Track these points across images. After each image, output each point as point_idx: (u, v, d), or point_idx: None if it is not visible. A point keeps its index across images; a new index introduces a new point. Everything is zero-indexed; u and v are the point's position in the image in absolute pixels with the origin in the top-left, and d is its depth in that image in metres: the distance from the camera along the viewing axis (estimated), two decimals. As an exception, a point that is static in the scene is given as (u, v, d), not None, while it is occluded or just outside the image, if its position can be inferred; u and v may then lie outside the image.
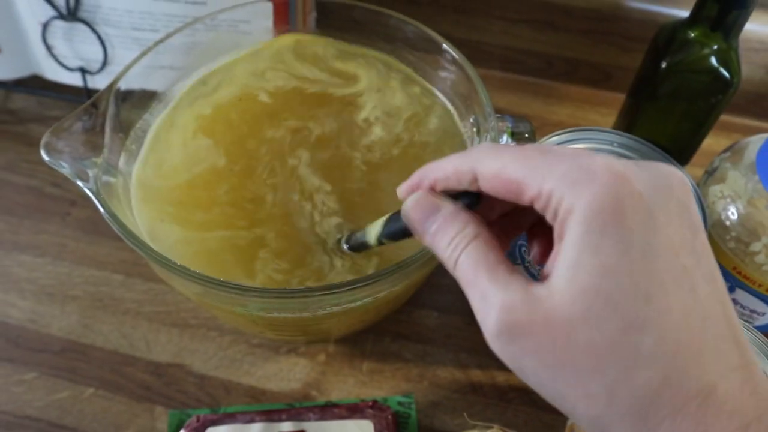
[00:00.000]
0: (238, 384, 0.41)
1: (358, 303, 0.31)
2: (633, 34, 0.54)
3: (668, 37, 0.40)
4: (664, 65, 0.40)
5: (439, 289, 0.46)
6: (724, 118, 0.56)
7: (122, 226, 0.31)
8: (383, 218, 0.34)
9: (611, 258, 0.19)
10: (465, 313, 0.45)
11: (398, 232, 0.32)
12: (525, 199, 0.21)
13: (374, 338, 0.44)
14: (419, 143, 0.39)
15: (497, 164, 0.21)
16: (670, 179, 0.20)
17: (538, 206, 0.20)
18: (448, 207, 0.23)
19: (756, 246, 0.35)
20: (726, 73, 0.38)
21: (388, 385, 0.42)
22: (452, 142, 0.39)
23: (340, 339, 0.43)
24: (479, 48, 0.57)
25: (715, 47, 0.38)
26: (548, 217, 0.20)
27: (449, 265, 0.23)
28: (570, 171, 0.20)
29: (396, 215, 0.33)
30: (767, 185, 0.34)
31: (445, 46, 0.39)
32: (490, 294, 0.21)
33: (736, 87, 0.40)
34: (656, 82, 0.40)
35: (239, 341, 0.43)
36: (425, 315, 0.45)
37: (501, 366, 0.43)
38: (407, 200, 0.24)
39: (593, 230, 0.19)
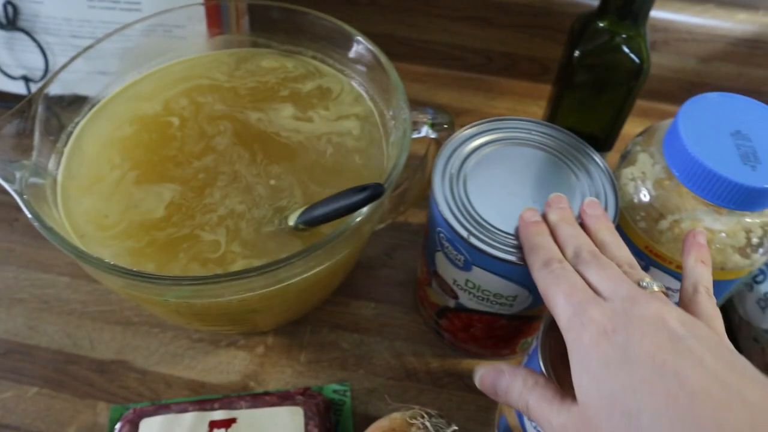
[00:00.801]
0: (178, 378, 0.43)
1: (271, 289, 0.32)
2: (567, 27, 0.56)
3: (581, 27, 0.41)
4: (576, 54, 0.41)
5: (376, 280, 0.47)
6: (656, 105, 0.58)
7: (43, 224, 0.32)
8: (303, 208, 0.36)
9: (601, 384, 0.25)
10: (401, 303, 0.46)
11: (312, 220, 0.34)
12: None
13: (312, 329, 0.45)
14: (342, 135, 0.41)
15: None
16: (644, 318, 0.26)
17: None
18: (507, 370, 0.31)
19: (663, 224, 0.36)
20: (636, 60, 0.40)
21: (325, 374, 0.43)
22: (371, 136, 0.41)
23: (278, 331, 0.44)
24: (421, 46, 0.58)
25: (624, 35, 0.39)
26: None
27: (523, 411, 0.30)
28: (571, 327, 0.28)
29: (310, 207, 0.35)
30: (672, 166, 0.35)
31: (359, 38, 0.40)
32: (552, 421, 0.27)
33: (646, 73, 0.41)
34: (572, 71, 0.42)
35: (181, 336, 0.44)
36: (362, 305, 0.46)
37: (435, 353, 0.45)
38: (476, 375, 0.32)
39: (584, 369, 0.26)
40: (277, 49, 0.45)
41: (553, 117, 0.45)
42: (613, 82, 0.41)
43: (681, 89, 0.57)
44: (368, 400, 0.42)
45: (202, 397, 0.40)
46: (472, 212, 0.36)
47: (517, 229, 0.35)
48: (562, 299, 0.29)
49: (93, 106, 0.41)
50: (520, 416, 0.35)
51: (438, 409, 0.42)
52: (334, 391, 0.42)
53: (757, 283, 0.42)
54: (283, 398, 0.39)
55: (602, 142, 0.46)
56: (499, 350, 0.43)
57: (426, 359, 0.44)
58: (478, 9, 0.55)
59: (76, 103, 0.41)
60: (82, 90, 0.41)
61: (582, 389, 0.26)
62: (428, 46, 0.58)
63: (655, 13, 0.54)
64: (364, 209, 0.32)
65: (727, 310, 0.45)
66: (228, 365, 0.43)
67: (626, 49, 0.40)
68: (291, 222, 0.35)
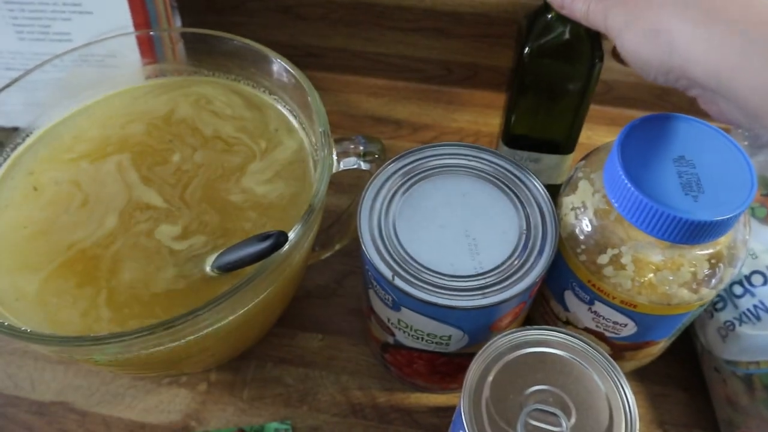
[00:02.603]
0: (118, 419, 0.42)
1: (194, 337, 0.31)
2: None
3: (530, 23, 0.39)
4: (526, 51, 0.38)
5: (325, 309, 0.46)
6: (626, 112, 0.55)
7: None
8: (218, 253, 0.34)
9: None
10: (350, 334, 0.44)
11: (222, 266, 0.33)
12: None
13: (256, 364, 0.43)
14: (273, 171, 0.39)
15: None
16: None
17: None
18: None
19: (603, 258, 0.34)
20: (587, 51, 0.37)
21: (268, 412, 0.42)
22: (300, 165, 0.39)
23: (222, 366, 0.43)
24: (378, 59, 0.56)
25: (573, 26, 0.37)
26: None
27: (584, 17, 0.32)
28: None
29: (221, 254, 0.33)
30: (611, 196, 0.33)
31: (280, 62, 0.39)
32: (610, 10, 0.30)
33: (599, 67, 0.38)
34: (523, 71, 0.39)
35: (122, 375, 0.43)
36: (309, 338, 0.44)
37: (382, 386, 0.43)
38: None
39: None
40: (209, 77, 0.43)
41: (507, 125, 0.43)
42: (568, 77, 0.39)
43: (651, 95, 0.54)
44: (311, 440, 0.41)
45: (137, 442, 0.40)
46: (400, 249, 0.34)
47: None
48: None
49: (25, 137, 0.40)
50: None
51: (383, 447, 0.40)
52: (276, 430, 0.40)
53: (717, 310, 0.39)
54: (216, 443, 0.38)
55: (562, 145, 0.43)
56: (447, 384, 0.41)
57: (373, 394, 0.42)
58: (431, 20, 0.52)
59: (5, 134, 0.40)
60: (11, 122, 0.40)
61: None
62: (385, 59, 0.56)
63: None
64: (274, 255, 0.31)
65: (690, 337, 0.43)
66: (169, 404, 0.42)
67: (575, 41, 0.37)
68: (207, 267, 0.34)
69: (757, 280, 0.38)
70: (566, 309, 0.39)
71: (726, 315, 0.39)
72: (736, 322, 0.38)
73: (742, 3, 0.26)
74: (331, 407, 0.42)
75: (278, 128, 0.41)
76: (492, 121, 0.55)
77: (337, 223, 0.43)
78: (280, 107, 0.42)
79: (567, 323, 0.39)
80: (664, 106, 0.54)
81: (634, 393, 0.42)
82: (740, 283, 0.38)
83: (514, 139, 0.44)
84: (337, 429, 0.41)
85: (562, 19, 0.37)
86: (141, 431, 0.41)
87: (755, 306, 0.38)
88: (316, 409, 0.42)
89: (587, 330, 0.38)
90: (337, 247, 0.44)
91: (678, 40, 0.27)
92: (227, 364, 0.43)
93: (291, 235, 0.31)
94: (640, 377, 0.43)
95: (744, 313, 0.38)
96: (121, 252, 0.35)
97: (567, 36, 0.38)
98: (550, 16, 0.38)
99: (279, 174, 0.39)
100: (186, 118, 0.41)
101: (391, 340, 0.38)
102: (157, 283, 0.34)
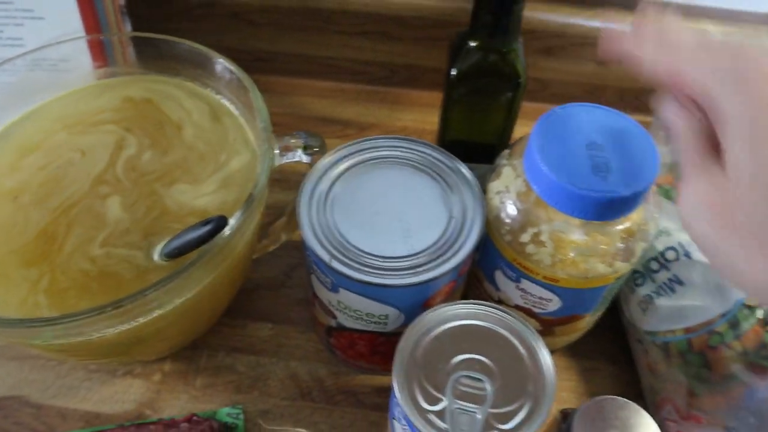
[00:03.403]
0: (74, 410, 0.43)
1: (128, 325, 0.32)
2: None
3: (457, 46, 0.42)
4: (453, 74, 0.41)
5: (275, 300, 0.48)
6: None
7: None
8: (165, 241, 0.36)
9: None
10: (298, 323, 0.47)
11: (170, 253, 0.35)
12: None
13: (209, 353, 0.45)
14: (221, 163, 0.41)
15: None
16: None
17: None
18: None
19: (524, 237, 0.37)
20: (510, 74, 0.40)
21: (220, 398, 0.43)
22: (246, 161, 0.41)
23: (176, 356, 0.45)
24: (325, 62, 0.59)
25: (497, 53, 0.40)
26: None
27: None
28: (724, 74, 0.24)
29: (169, 241, 0.35)
30: (530, 179, 0.36)
31: (222, 62, 0.41)
32: (691, 179, 0.26)
33: (524, 86, 0.41)
34: (451, 88, 0.42)
35: (77, 368, 0.44)
36: (259, 327, 0.46)
37: (329, 371, 0.45)
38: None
39: (754, 136, 0.23)
40: (158, 78, 0.45)
41: (444, 128, 0.46)
42: (492, 97, 0.42)
43: (584, 92, 0.58)
44: (262, 422, 0.42)
45: (91, 429, 0.41)
46: (337, 235, 0.36)
47: None
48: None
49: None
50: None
51: (331, 427, 0.42)
52: (228, 415, 0.42)
53: (638, 286, 0.42)
54: (168, 426, 0.39)
55: (494, 151, 0.46)
56: (388, 365, 0.43)
57: (320, 377, 0.44)
58: (374, 24, 0.55)
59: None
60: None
61: (735, 158, 0.24)
62: (332, 62, 0.59)
63: (549, 17, 0.54)
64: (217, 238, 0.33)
65: (618, 314, 0.46)
66: (124, 394, 0.43)
67: (499, 66, 0.40)
68: (155, 256, 0.36)
69: (671, 255, 0.41)
70: (497, 289, 0.41)
71: (645, 290, 0.42)
72: (654, 296, 0.41)
73: None
74: (281, 391, 0.44)
75: (236, 138, 0.43)
76: (434, 120, 0.57)
77: (282, 216, 0.45)
78: (227, 105, 0.44)
79: (499, 302, 0.42)
80: (597, 101, 0.57)
81: (566, 368, 0.45)
82: (656, 259, 0.41)
83: (448, 147, 0.47)
84: (287, 412, 0.43)
85: (485, 46, 0.40)
86: (96, 421, 0.42)
87: (670, 279, 0.41)
88: (267, 394, 0.43)
89: (517, 307, 0.41)
90: (284, 238, 0.46)
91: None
92: (180, 354, 0.45)
93: (231, 221, 0.33)
94: (572, 353, 0.45)
95: (660, 286, 0.41)
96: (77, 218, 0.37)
97: (490, 60, 0.41)
98: (473, 44, 0.41)
99: (230, 179, 0.41)
100: (154, 103, 0.44)
101: (333, 323, 0.40)
102: (105, 269, 0.35)
